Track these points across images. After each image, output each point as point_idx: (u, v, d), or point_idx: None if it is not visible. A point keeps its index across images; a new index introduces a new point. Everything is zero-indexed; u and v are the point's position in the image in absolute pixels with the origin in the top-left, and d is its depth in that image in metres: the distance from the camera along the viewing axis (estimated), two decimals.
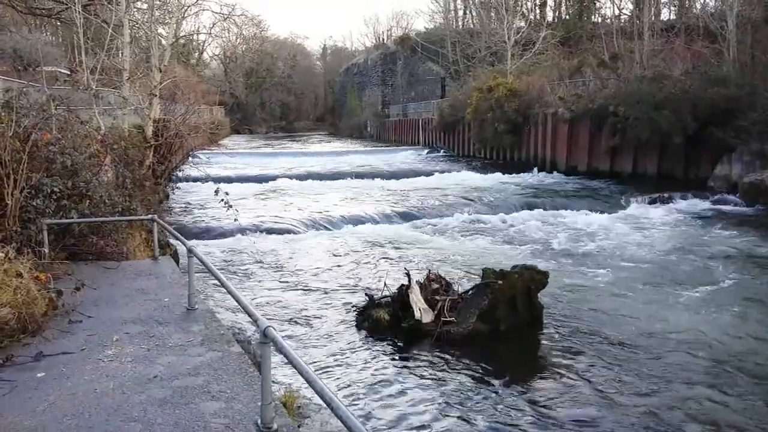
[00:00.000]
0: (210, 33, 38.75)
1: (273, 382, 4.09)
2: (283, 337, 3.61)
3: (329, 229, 16.98)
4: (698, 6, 35.42)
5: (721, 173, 21.85)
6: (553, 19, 49.68)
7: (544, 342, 8.64)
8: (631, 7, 37.81)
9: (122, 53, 15.83)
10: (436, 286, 9.04)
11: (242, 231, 15.60)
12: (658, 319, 9.33)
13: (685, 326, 8.99)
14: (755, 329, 8.87)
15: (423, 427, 6.22)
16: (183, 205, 19.77)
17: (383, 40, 77.57)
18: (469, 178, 27.46)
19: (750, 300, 10.25)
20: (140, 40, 19.69)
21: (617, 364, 7.72)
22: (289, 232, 16.34)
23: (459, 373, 7.52)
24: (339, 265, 12.91)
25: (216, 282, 5.41)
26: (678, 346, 8.28)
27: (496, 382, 7.26)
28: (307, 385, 3.11)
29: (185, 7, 19.85)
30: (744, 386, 7.08)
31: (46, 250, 7.56)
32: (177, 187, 19.38)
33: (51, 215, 7.93)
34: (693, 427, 6.20)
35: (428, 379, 7.35)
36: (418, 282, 8.99)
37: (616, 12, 39.97)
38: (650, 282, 11.38)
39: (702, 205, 19.90)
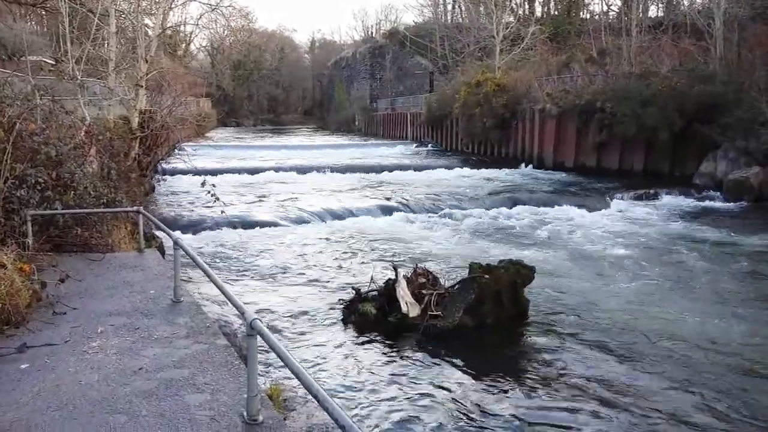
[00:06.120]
0: (197, 24, 38.59)
1: (259, 374, 4.09)
2: (269, 329, 3.60)
3: (316, 222, 16.93)
4: (686, 3, 35.69)
5: (706, 170, 22.02)
6: (542, 15, 49.90)
7: (529, 336, 8.69)
8: (619, 3, 38.00)
9: (108, 43, 15.71)
10: (422, 280, 9.05)
11: (228, 223, 15.54)
12: (641, 313, 9.42)
13: (667, 320, 9.08)
14: (735, 321, 8.97)
15: (408, 419, 6.24)
16: (169, 197, 19.64)
17: (372, 33, 77.42)
18: (455, 173, 27.53)
19: (730, 293, 10.37)
20: (126, 31, 19.52)
21: (601, 357, 7.78)
22: (275, 224, 16.28)
23: (445, 366, 7.54)
24: (325, 259, 12.89)
25: (202, 274, 5.38)
26: (660, 339, 8.36)
27: (481, 375, 7.29)
28: (293, 377, 3.10)
29: None
30: (725, 377, 7.16)
31: (30, 242, 7.50)
32: (163, 179, 19.25)
33: (35, 206, 7.86)
34: (676, 420, 6.27)
35: (414, 372, 7.37)
36: (405, 276, 9.00)
37: (605, 8, 40.28)
38: (634, 277, 11.46)
39: (687, 201, 20.08)
